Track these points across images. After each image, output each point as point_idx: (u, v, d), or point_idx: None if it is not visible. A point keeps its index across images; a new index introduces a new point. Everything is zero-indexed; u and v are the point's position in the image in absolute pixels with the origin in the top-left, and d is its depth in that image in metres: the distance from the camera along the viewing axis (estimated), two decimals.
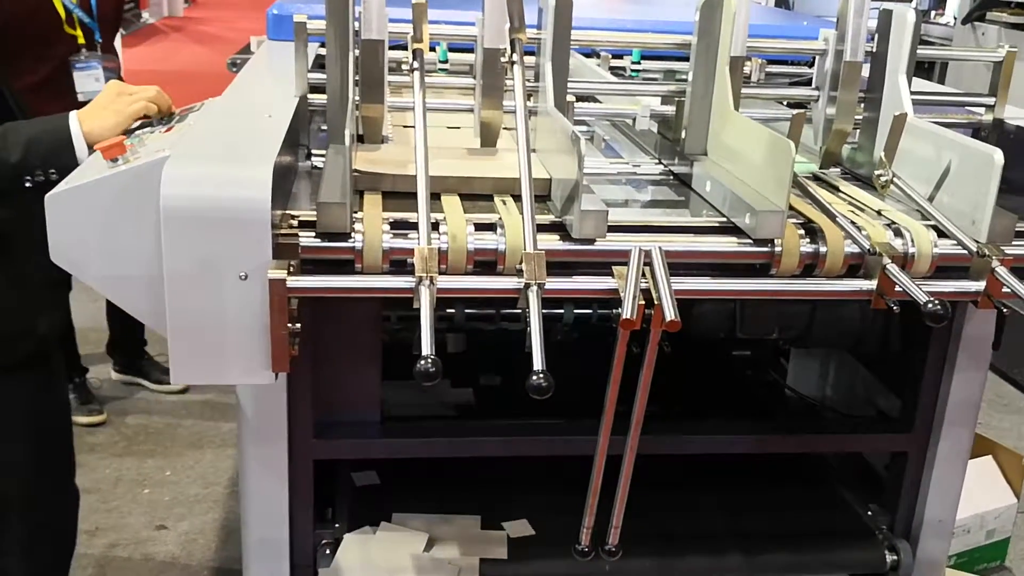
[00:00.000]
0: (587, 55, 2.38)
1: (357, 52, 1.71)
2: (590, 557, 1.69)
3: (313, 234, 1.44)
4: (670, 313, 1.29)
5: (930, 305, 1.33)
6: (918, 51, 1.88)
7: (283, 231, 1.41)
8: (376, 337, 2.04)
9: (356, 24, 1.71)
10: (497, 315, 2.44)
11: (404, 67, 1.89)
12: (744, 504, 2.31)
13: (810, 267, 1.55)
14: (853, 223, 1.55)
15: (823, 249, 1.54)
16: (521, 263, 1.35)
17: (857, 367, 2.49)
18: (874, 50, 1.90)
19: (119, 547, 2.99)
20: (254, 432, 1.94)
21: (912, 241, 1.57)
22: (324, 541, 2.06)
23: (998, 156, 1.51)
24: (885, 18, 1.87)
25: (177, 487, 3.34)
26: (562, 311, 2.55)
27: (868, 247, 1.47)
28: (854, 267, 1.56)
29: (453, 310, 2.12)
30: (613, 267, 1.40)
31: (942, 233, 1.59)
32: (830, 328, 2.45)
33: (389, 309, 2.10)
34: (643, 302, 1.33)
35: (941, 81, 5.23)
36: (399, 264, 1.44)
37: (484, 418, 2.36)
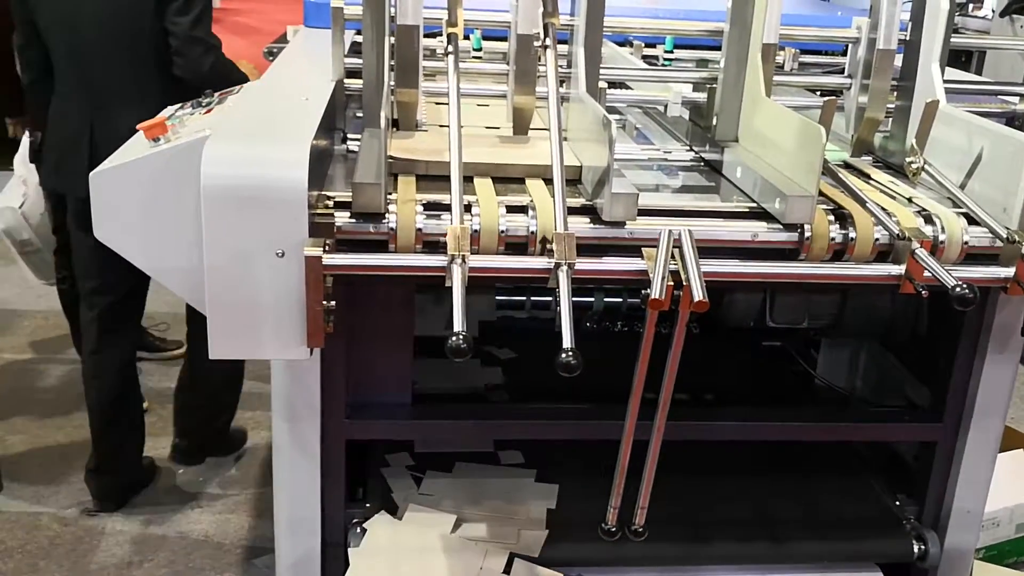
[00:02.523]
0: (620, 43, 2.39)
1: (392, 38, 1.74)
2: (616, 537, 1.71)
3: (348, 214, 1.47)
4: (698, 293, 1.31)
5: (958, 289, 1.34)
6: (951, 40, 1.88)
7: (319, 211, 1.44)
8: (409, 319, 2.07)
9: (392, 10, 1.73)
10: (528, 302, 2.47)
11: (439, 53, 1.91)
12: (772, 492, 2.31)
13: (839, 253, 1.56)
14: (883, 209, 1.56)
15: (852, 234, 1.55)
16: (551, 243, 1.37)
17: (887, 357, 2.48)
18: (907, 39, 1.90)
19: (154, 524, 3.05)
20: (288, 411, 1.98)
21: (942, 228, 1.58)
22: (355, 520, 2.09)
23: None
24: (918, 6, 1.87)
25: (212, 468, 3.40)
26: (592, 299, 2.58)
27: (897, 232, 1.47)
28: (883, 253, 1.56)
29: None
30: (643, 249, 1.41)
31: (972, 220, 1.60)
32: (860, 317, 2.45)
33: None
34: (672, 283, 1.34)
35: (979, 73, 5.18)
36: (431, 245, 1.47)
37: (513, 401, 2.38)
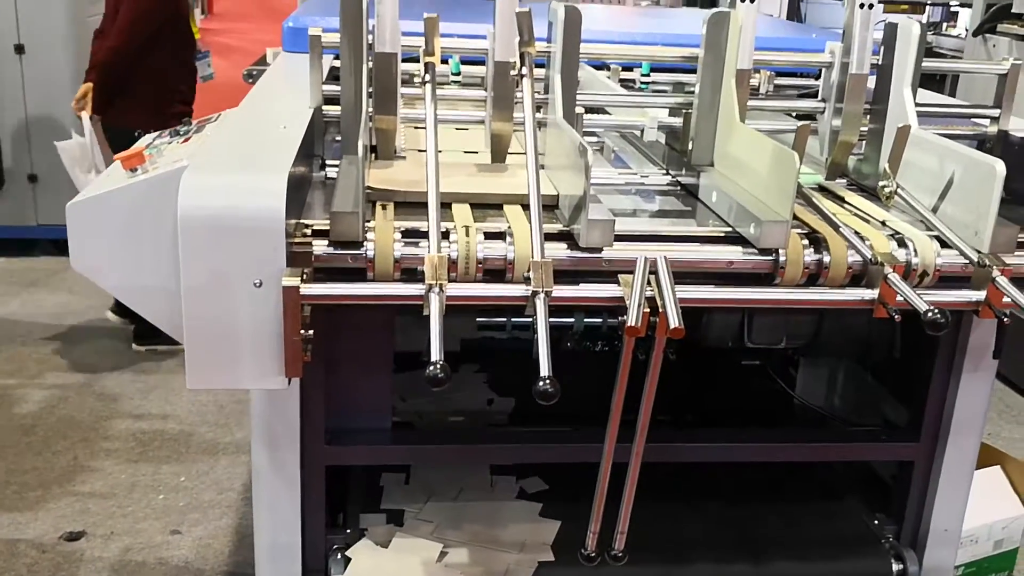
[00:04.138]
0: (598, 67, 2.42)
1: (371, 64, 1.75)
2: (596, 563, 1.71)
3: (326, 243, 1.47)
4: (674, 320, 1.32)
5: (930, 314, 1.36)
6: (924, 63, 1.91)
7: (297, 239, 1.44)
8: (388, 344, 2.07)
9: (370, 37, 1.74)
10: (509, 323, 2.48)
11: (416, 80, 1.92)
12: (751, 512, 2.32)
13: (814, 276, 1.57)
14: (857, 233, 1.58)
15: (827, 259, 1.56)
16: (529, 271, 1.38)
17: (865, 376, 2.50)
18: (880, 62, 1.93)
19: (133, 551, 3.02)
20: (267, 437, 1.97)
21: (915, 251, 1.60)
22: (336, 546, 2.09)
23: (1000, 167, 1.53)
24: (890, 31, 1.90)
25: (192, 493, 3.37)
26: (572, 320, 2.59)
27: (870, 257, 1.49)
28: (857, 276, 1.58)
29: None
30: (619, 275, 1.42)
31: (945, 243, 1.62)
32: (838, 337, 2.47)
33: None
34: (648, 310, 1.35)
35: (952, 93, 5.24)
36: (410, 272, 1.47)
37: (494, 425, 2.39)
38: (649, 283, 1.39)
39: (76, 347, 4.28)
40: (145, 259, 1.47)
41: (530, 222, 1.46)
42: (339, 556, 2.07)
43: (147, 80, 4.22)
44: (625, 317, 1.34)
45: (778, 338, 2.52)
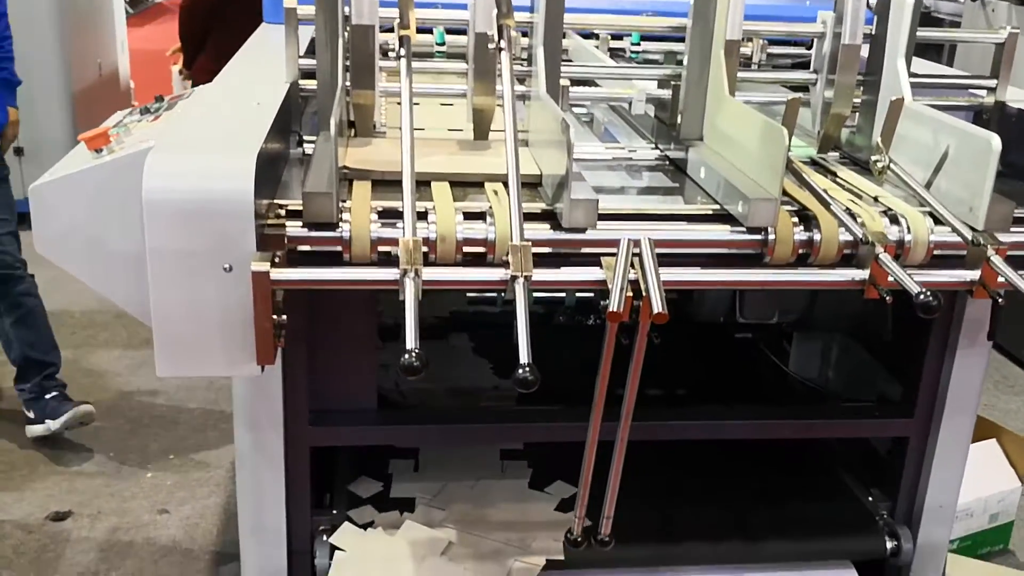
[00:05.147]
0: (586, 36, 2.35)
1: (347, 36, 1.69)
2: (582, 547, 1.68)
3: (300, 224, 1.42)
4: (658, 306, 1.27)
5: (922, 296, 1.31)
6: (919, 32, 1.85)
7: (269, 221, 1.39)
8: (372, 324, 2.03)
9: (347, 9, 1.68)
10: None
11: (392, 54, 1.87)
12: (742, 489, 2.30)
13: (804, 255, 1.53)
14: (848, 211, 1.53)
15: (817, 237, 1.52)
16: (508, 254, 1.34)
17: (859, 351, 2.47)
18: (873, 32, 1.87)
19: (121, 531, 2.99)
20: (250, 419, 1.94)
21: (908, 228, 1.55)
22: (321, 527, 2.06)
23: (996, 142, 1.48)
24: (884, 1, 1.84)
25: (180, 471, 3.35)
26: (564, 294, 2.55)
27: (861, 236, 1.44)
28: (849, 255, 1.54)
29: None
30: (601, 258, 1.38)
31: (939, 220, 1.57)
32: (830, 313, 2.44)
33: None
34: (631, 294, 1.31)
35: (950, 62, 5.16)
36: (388, 254, 1.43)
37: (480, 405, 2.35)
38: (633, 265, 1.34)
39: (65, 323, 4.23)
40: (111, 243, 1.42)
41: (509, 202, 1.41)
42: (324, 538, 2.05)
43: (223, 37, 4.10)
44: (607, 301, 1.30)
45: (770, 314, 2.49)
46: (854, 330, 2.47)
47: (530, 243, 1.32)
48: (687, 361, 2.53)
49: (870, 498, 2.28)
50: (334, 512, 2.11)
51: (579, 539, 1.66)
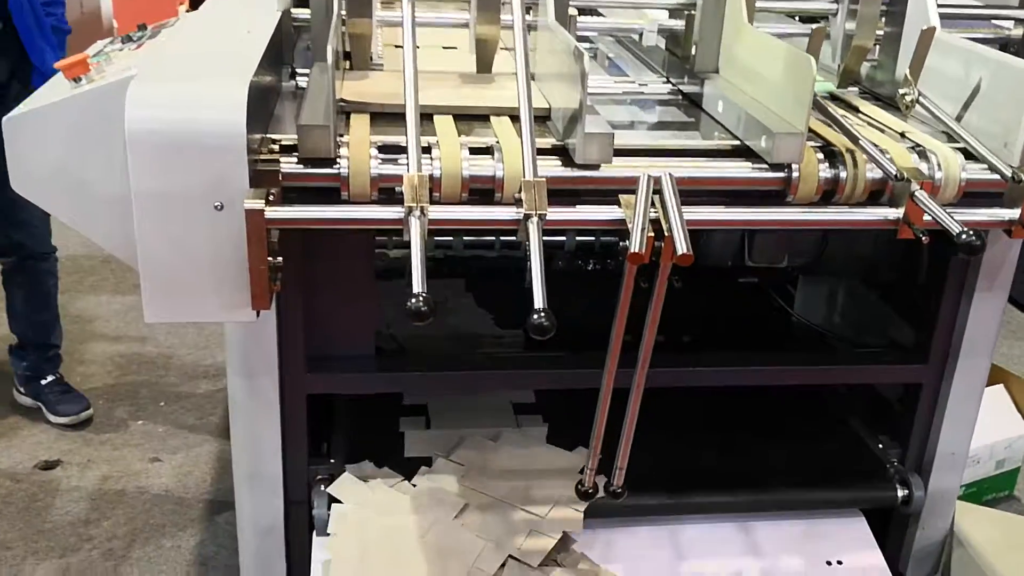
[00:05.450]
0: None
1: None
2: (594, 498, 1.61)
3: (295, 160, 1.33)
4: (682, 246, 1.19)
5: (964, 236, 1.23)
6: None
7: (262, 157, 1.30)
8: (371, 265, 1.95)
9: None
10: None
11: None
12: (750, 437, 2.24)
13: (828, 194, 1.45)
14: (876, 146, 1.44)
15: (843, 174, 1.44)
16: (520, 191, 1.25)
17: (866, 294, 2.40)
18: None
19: (112, 480, 2.93)
20: (244, 366, 1.87)
21: (939, 165, 1.47)
22: (319, 477, 2.00)
23: None
24: None
25: (171, 418, 3.28)
26: (564, 238, 2.46)
27: (895, 172, 1.36)
28: (875, 193, 1.46)
29: None
30: (620, 196, 1.29)
31: (970, 156, 1.49)
32: (842, 256, 2.36)
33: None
34: (652, 234, 1.22)
35: None
36: (389, 192, 1.34)
37: (484, 352, 2.28)
38: (652, 204, 1.26)
39: None
40: (93, 180, 1.33)
41: (520, 136, 1.32)
42: (323, 487, 1.98)
43: None
44: (627, 243, 1.21)
45: (780, 257, 2.41)
46: (864, 273, 2.40)
47: (545, 179, 1.23)
48: (693, 306, 2.46)
49: (880, 446, 2.23)
50: (332, 461, 2.05)
51: (591, 490, 1.60)
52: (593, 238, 2.36)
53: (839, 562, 2.05)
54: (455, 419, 2.20)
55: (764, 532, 2.08)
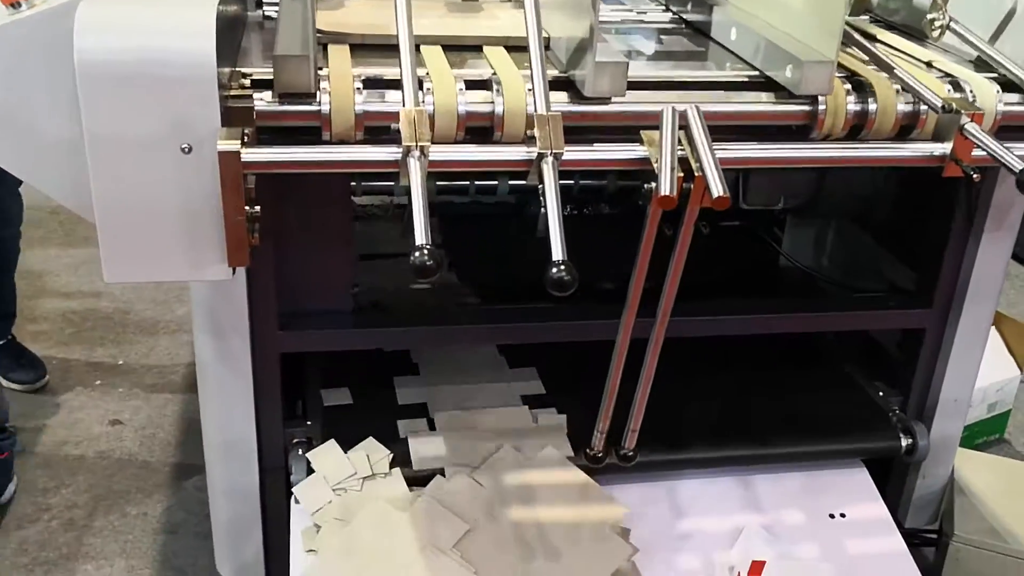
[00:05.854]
0: None
1: None
2: (603, 464, 1.50)
3: (270, 95, 1.18)
4: (717, 188, 1.06)
5: None
6: None
7: (233, 92, 1.15)
8: (348, 215, 1.80)
9: None
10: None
11: None
12: (746, 388, 2.15)
13: (856, 128, 1.33)
14: (913, 76, 1.32)
15: (872, 107, 1.32)
16: (529, 129, 1.11)
17: (858, 235, 2.31)
18: None
19: (70, 444, 2.78)
20: (212, 324, 1.73)
21: (973, 96, 1.36)
22: (296, 440, 1.87)
23: None
24: None
25: (131, 378, 3.12)
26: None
27: (941, 104, 1.24)
28: (905, 128, 1.34)
29: None
30: (642, 132, 1.15)
31: (1006, 87, 1.38)
32: (839, 196, 2.26)
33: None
34: (681, 174, 1.09)
35: None
36: (375, 131, 1.20)
37: (468, 303, 2.15)
38: (679, 142, 1.13)
39: None
40: (38, 120, 1.16)
41: (524, 67, 1.18)
42: (300, 452, 1.86)
43: None
44: (652, 184, 1.08)
45: (775, 199, 2.30)
46: (861, 215, 2.30)
47: (560, 114, 1.09)
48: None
49: (880, 394, 2.15)
50: (308, 424, 1.92)
51: (600, 454, 1.48)
52: (571, 181, 2.22)
53: (842, 515, 1.97)
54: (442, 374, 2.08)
55: (764, 486, 1.99)
